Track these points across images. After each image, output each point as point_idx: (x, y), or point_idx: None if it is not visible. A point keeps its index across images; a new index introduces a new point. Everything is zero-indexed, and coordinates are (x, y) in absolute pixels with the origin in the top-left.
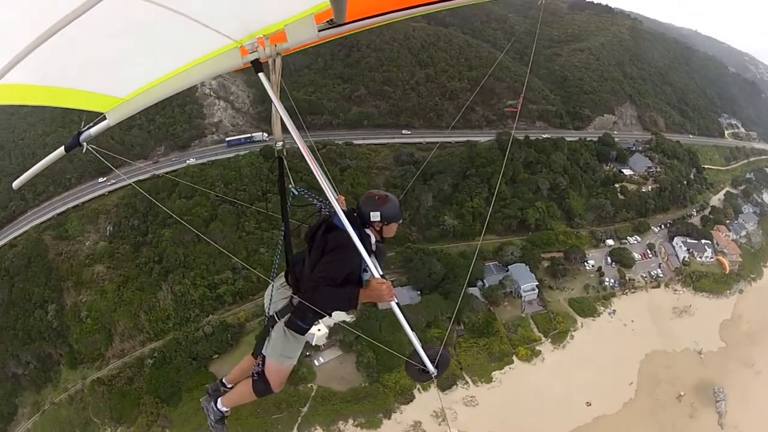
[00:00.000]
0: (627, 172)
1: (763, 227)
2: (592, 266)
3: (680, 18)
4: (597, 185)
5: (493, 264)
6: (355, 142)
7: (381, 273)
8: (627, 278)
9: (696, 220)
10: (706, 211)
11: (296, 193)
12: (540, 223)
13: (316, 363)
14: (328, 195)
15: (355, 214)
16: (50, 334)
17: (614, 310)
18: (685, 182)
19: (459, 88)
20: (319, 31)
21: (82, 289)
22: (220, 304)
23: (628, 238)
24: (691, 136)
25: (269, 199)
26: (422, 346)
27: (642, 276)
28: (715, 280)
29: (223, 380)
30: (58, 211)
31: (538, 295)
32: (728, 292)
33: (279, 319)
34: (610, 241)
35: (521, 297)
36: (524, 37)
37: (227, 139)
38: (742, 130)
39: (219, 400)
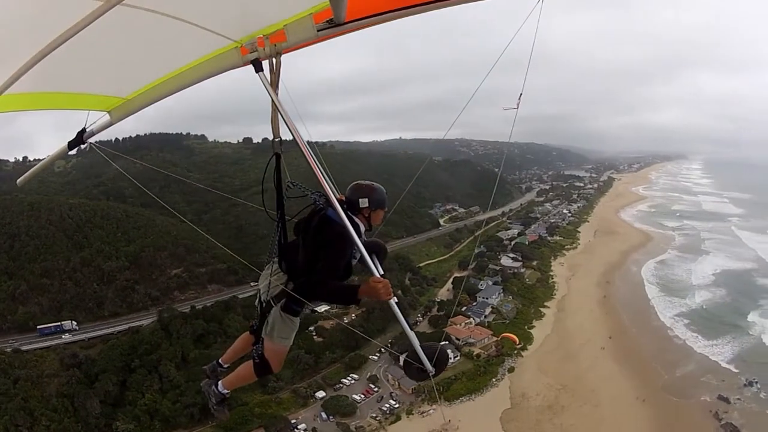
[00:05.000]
0: (321, 308)
1: (511, 291)
2: (305, 431)
3: (387, 132)
4: None
5: None
6: (23, 348)
7: (382, 272)
8: (354, 427)
9: (424, 325)
10: (435, 310)
11: (292, 186)
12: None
13: None
14: (326, 191)
15: (345, 206)
16: None
17: None
18: (399, 291)
19: (116, 267)
20: (319, 30)
21: None
22: None
23: (342, 381)
24: (398, 241)
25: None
26: (420, 345)
27: (372, 416)
28: (470, 378)
29: (219, 360)
30: None
31: None
32: (494, 380)
33: (275, 304)
34: (320, 393)
35: None
36: None
37: (39, 327)
38: (461, 210)
39: (219, 383)
